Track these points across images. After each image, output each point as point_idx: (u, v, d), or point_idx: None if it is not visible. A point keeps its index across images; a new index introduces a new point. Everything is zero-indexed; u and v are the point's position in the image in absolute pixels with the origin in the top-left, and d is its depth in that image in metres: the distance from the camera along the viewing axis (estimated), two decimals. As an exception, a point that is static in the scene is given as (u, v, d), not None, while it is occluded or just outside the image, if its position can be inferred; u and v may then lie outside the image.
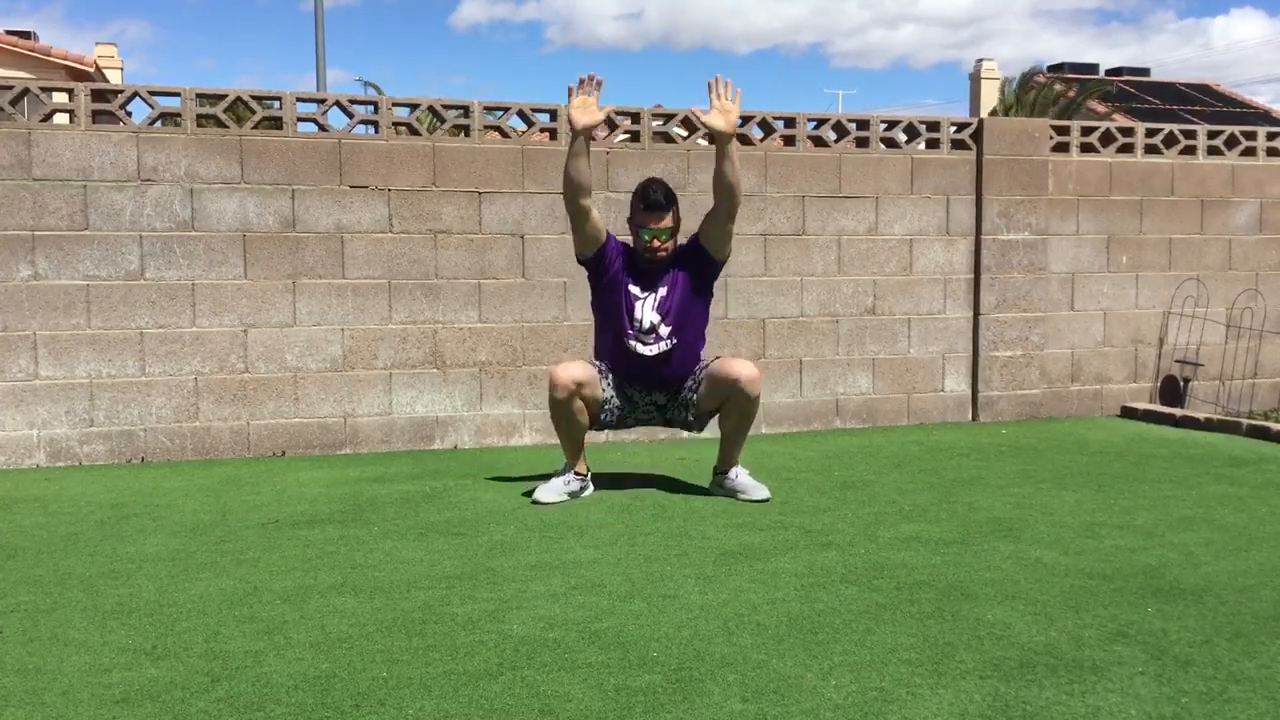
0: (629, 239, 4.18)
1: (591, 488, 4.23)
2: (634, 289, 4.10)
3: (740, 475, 4.18)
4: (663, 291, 4.10)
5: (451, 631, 2.65)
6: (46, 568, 3.24)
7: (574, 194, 4.01)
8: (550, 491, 4.07)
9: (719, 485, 4.22)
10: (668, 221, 4.05)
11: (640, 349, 4.09)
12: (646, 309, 4.09)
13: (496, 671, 2.39)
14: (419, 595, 2.93)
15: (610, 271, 4.11)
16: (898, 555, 3.31)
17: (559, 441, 4.22)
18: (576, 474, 4.16)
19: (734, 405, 4.13)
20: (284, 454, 5.13)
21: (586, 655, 2.48)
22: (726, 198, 4.06)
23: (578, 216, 4.05)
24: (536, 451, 5.20)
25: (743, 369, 4.07)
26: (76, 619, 2.77)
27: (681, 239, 4.18)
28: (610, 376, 4.16)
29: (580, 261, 4.20)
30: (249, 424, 5.08)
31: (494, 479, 4.52)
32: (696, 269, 4.15)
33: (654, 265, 4.10)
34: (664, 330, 4.09)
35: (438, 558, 3.31)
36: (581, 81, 4.03)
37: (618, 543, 3.47)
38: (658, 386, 4.21)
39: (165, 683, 2.35)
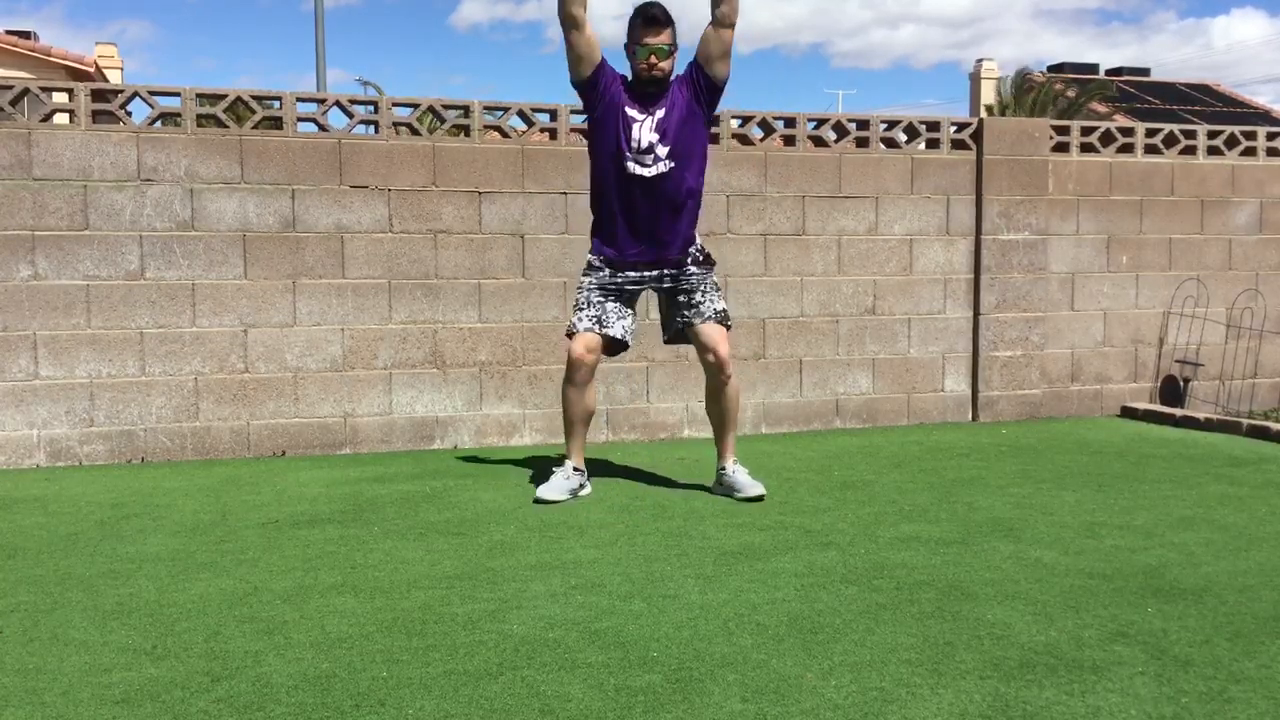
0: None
1: (589, 486, 4.23)
2: (631, 111, 4.03)
3: (738, 472, 4.17)
4: (660, 113, 4.03)
5: (451, 631, 2.65)
6: (46, 568, 3.24)
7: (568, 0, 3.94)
8: (554, 490, 4.07)
9: (719, 482, 4.22)
10: (666, 37, 3.99)
11: (638, 170, 4.00)
12: (644, 130, 4.02)
13: (496, 671, 2.39)
14: (419, 595, 2.93)
15: (607, 97, 4.04)
16: (898, 555, 3.31)
17: (565, 434, 4.20)
18: (576, 470, 4.16)
19: (710, 386, 4.18)
20: (284, 454, 5.13)
21: (586, 655, 2.48)
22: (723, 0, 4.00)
23: (572, 25, 3.96)
24: (537, 451, 5.20)
25: (723, 348, 4.09)
26: (76, 619, 2.77)
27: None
28: (608, 296, 4.08)
29: (576, 85, 4.10)
30: (249, 424, 5.08)
31: (494, 479, 4.52)
32: (694, 92, 4.08)
33: (652, 90, 4.04)
34: (661, 151, 4.02)
35: (438, 558, 3.31)
36: None
37: (618, 543, 3.47)
38: (656, 263, 4.09)
39: (165, 683, 2.35)
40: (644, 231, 4.08)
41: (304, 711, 2.20)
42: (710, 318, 4.12)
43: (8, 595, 2.97)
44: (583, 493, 4.17)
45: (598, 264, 4.13)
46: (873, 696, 2.25)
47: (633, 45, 4.04)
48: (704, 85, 4.09)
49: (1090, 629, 2.65)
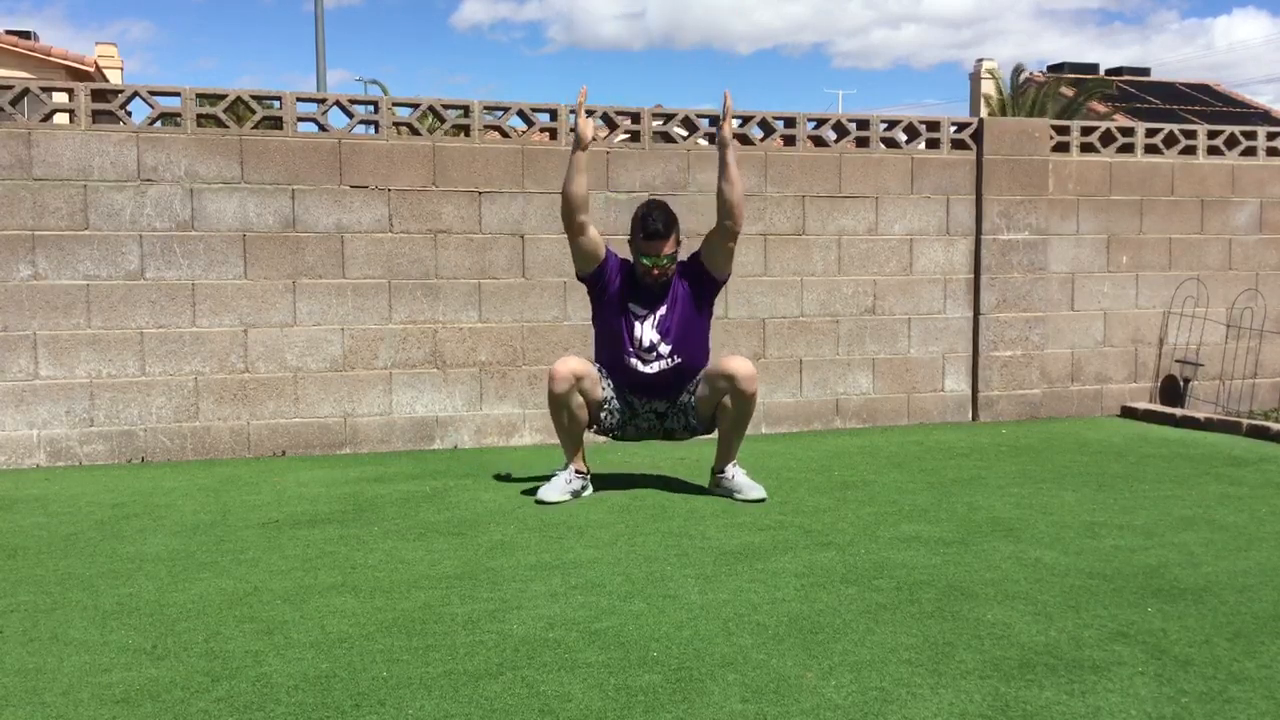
0: (629, 257, 4.18)
1: (591, 487, 4.23)
2: (634, 308, 4.12)
3: (737, 475, 4.17)
4: (663, 310, 4.12)
5: (451, 631, 2.64)
6: (46, 568, 3.24)
7: (574, 210, 4.03)
8: (554, 491, 4.07)
9: (717, 485, 4.22)
10: (668, 248, 4.06)
11: (641, 368, 4.11)
12: (647, 328, 4.10)
13: (496, 671, 2.39)
14: (419, 595, 2.93)
15: (610, 291, 4.13)
16: (898, 555, 3.31)
17: (558, 439, 4.22)
18: (577, 472, 4.16)
19: (729, 402, 4.13)
20: (284, 454, 5.13)
21: (586, 655, 2.48)
22: (727, 215, 4.09)
23: (576, 232, 4.07)
24: (537, 451, 5.20)
25: (739, 365, 4.08)
26: (76, 619, 2.77)
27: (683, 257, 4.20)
28: (611, 381, 4.17)
29: (580, 279, 4.22)
30: (249, 424, 5.08)
31: (494, 479, 4.52)
32: (697, 287, 4.17)
33: (654, 288, 4.12)
34: (664, 349, 4.11)
35: (438, 558, 3.31)
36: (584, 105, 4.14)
37: (618, 543, 3.47)
38: (659, 396, 4.21)
39: (165, 683, 2.35)
40: (650, 399, 4.20)
41: (304, 711, 2.20)
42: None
43: (8, 595, 2.97)
44: (585, 494, 4.17)
45: None
46: (873, 696, 2.25)
47: (635, 251, 4.10)
48: (706, 281, 4.18)
49: (1090, 629, 2.65)
